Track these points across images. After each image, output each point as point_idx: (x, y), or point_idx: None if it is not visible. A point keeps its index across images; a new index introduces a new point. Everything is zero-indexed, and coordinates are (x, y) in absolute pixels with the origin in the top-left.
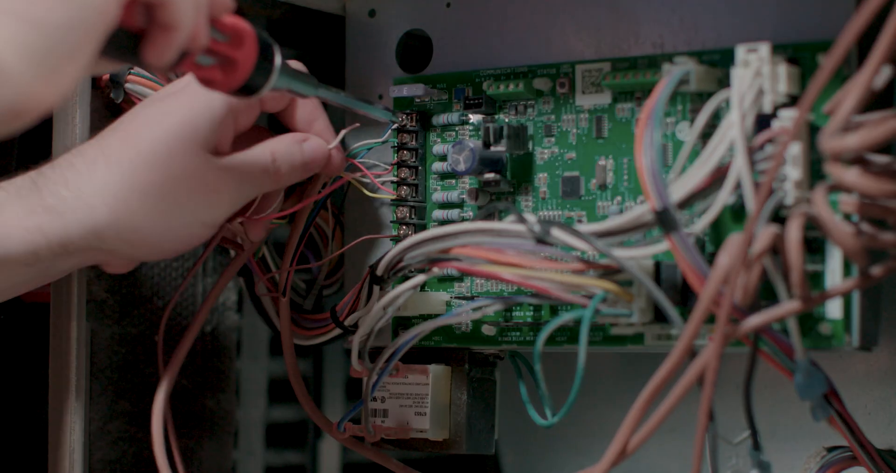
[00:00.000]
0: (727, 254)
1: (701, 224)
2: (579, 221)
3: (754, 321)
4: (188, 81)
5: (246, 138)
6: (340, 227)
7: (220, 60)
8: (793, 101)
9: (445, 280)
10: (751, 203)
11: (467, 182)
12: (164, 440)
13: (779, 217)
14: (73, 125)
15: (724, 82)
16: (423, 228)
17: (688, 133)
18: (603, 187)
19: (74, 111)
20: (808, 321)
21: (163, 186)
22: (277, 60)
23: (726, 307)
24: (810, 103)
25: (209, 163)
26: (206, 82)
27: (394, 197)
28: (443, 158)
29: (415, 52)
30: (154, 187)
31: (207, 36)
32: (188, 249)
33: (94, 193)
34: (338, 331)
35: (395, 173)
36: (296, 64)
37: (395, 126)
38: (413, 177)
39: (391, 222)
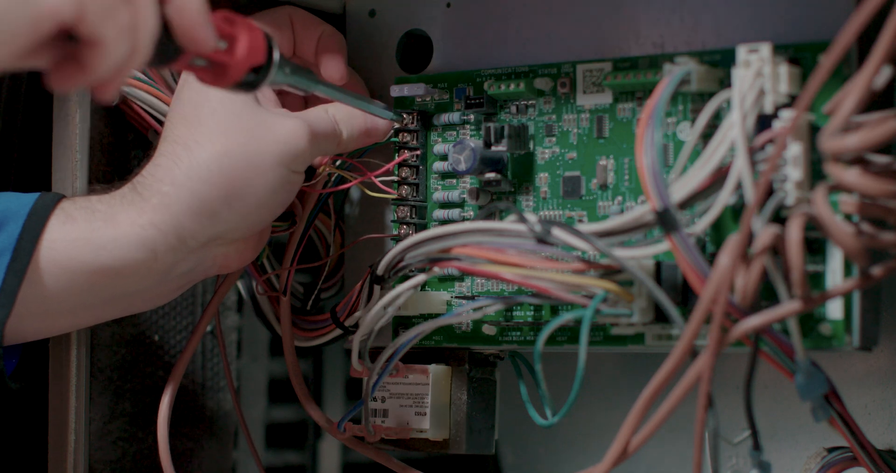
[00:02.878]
0: (727, 254)
1: (702, 224)
2: (580, 221)
3: (753, 321)
4: None
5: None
6: (340, 230)
7: (216, 58)
8: (794, 101)
9: (446, 280)
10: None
11: (468, 182)
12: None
13: (779, 218)
14: (73, 125)
15: (725, 82)
16: (424, 227)
17: (689, 133)
18: (604, 186)
19: (74, 111)
20: (809, 321)
21: (245, 145)
22: (276, 55)
23: (720, 310)
24: (808, 102)
25: (269, 111)
26: (204, 79)
27: (394, 197)
28: (444, 157)
29: (415, 52)
30: (237, 147)
31: (208, 43)
32: (291, 199)
33: (190, 176)
34: (337, 333)
35: (396, 173)
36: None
37: (396, 125)
38: (414, 176)
39: (392, 221)
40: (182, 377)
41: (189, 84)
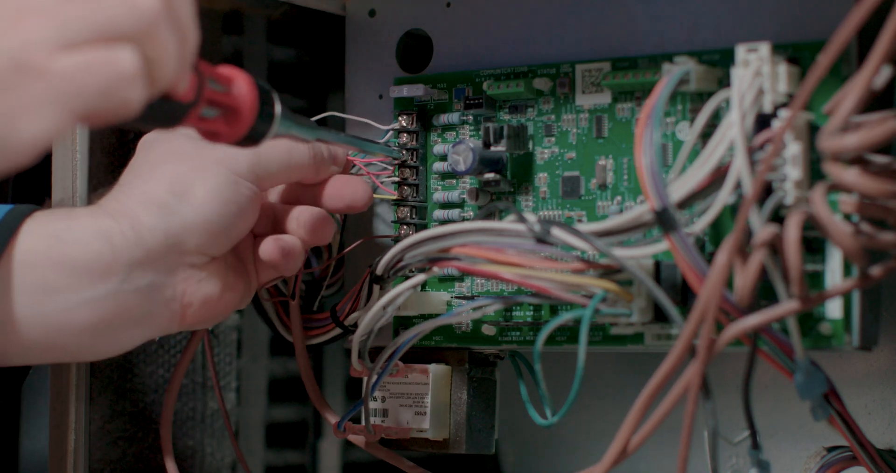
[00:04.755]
0: (724, 251)
1: (701, 224)
2: (579, 220)
3: (751, 320)
4: None
5: None
6: (340, 230)
7: (221, 113)
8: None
9: (446, 280)
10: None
11: (468, 182)
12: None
13: (779, 217)
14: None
15: (724, 82)
16: (424, 227)
17: (688, 133)
18: (603, 186)
19: None
20: (809, 320)
21: (186, 151)
22: (277, 109)
23: (713, 305)
24: (804, 100)
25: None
26: (216, 133)
27: (395, 197)
28: (443, 158)
29: (415, 51)
30: (178, 153)
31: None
32: (244, 213)
33: (133, 177)
34: (337, 331)
35: (396, 173)
36: None
37: (397, 162)
38: (414, 177)
39: (392, 221)
40: (183, 376)
41: (140, 150)
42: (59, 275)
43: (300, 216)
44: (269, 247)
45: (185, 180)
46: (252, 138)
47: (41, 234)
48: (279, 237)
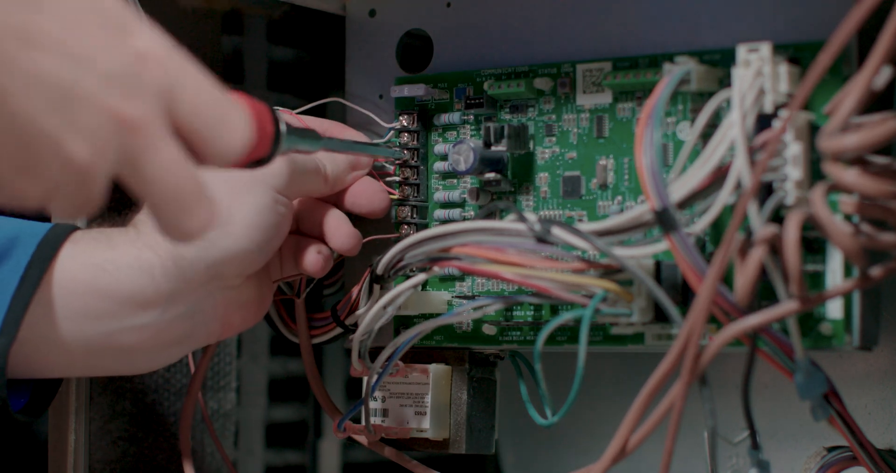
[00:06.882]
0: (721, 249)
1: (701, 224)
2: (580, 220)
3: (752, 320)
4: None
5: None
6: None
7: None
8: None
9: (446, 279)
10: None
11: (468, 182)
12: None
13: (779, 217)
14: None
15: (725, 82)
16: (425, 227)
17: (688, 133)
18: (604, 186)
19: None
20: (809, 320)
21: (222, 174)
22: (282, 127)
23: (706, 298)
24: (803, 99)
25: None
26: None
27: (396, 197)
28: (444, 157)
29: (415, 51)
30: (215, 177)
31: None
32: (280, 232)
33: None
34: (338, 331)
35: (398, 173)
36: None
37: (399, 162)
38: (415, 176)
39: (393, 221)
40: (178, 375)
41: None
42: (102, 303)
43: (338, 233)
44: (313, 259)
45: (223, 208)
46: (258, 163)
47: (84, 262)
48: (322, 249)
